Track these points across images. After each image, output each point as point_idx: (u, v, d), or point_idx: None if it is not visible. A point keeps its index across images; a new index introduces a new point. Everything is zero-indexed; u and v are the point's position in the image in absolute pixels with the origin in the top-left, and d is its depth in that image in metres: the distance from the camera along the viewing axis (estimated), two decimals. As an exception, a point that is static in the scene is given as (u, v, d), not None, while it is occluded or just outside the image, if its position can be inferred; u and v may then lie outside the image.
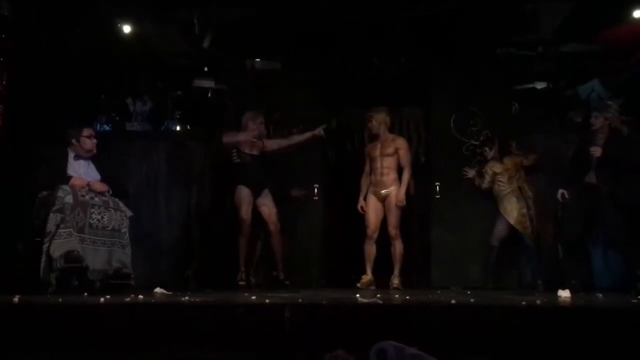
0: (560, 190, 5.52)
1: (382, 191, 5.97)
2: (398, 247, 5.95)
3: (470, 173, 6.35)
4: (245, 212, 5.82)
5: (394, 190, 5.92)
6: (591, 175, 5.30)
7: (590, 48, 7.16)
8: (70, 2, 6.21)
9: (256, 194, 5.91)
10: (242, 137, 5.98)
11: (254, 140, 5.98)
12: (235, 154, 5.92)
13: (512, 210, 6.04)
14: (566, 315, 2.98)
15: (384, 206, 5.97)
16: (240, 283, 5.77)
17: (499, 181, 6.14)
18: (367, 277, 5.92)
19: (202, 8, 6.67)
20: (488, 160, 6.25)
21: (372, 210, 5.99)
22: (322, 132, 6.07)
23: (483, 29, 6.68)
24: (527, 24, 6.84)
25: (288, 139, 6.20)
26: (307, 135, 6.11)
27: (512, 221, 6.02)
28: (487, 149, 6.27)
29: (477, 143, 6.45)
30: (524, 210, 6.03)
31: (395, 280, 5.85)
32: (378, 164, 6.01)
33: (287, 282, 5.91)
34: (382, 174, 5.97)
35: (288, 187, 6.28)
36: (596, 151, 5.24)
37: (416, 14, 6.48)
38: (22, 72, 6.12)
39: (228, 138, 6.01)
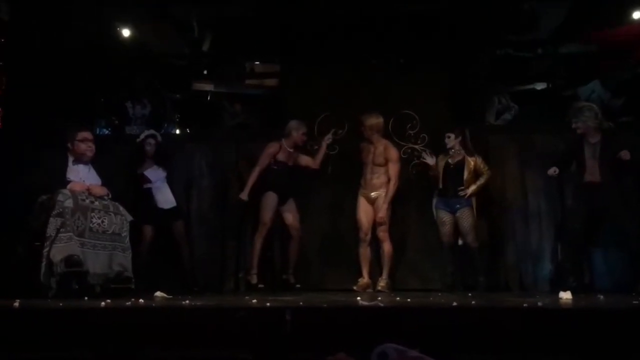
0: (553, 168, 5.46)
1: (372, 194, 5.94)
2: (387, 249, 5.91)
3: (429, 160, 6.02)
4: (269, 217, 5.98)
5: (383, 193, 5.90)
6: (593, 173, 5.28)
7: (589, 48, 7.18)
8: (69, 7, 6.23)
9: (282, 201, 6.06)
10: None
11: (291, 150, 6.10)
12: (273, 161, 6.05)
13: None
14: (568, 317, 2.97)
15: (373, 208, 5.94)
16: (260, 286, 5.87)
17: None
18: (364, 279, 5.89)
19: (201, 9, 6.68)
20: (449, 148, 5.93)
21: (362, 212, 5.96)
22: (330, 139, 6.27)
23: (480, 28, 6.71)
24: (526, 24, 6.86)
25: (314, 158, 6.27)
26: (323, 147, 6.27)
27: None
28: (452, 135, 5.90)
29: (416, 146, 6.35)
30: None
31: (382, 283, 5.81)
32: (368, 169, 5.99)
33: (298, 285, 5.98)
34: (371, 178, 5.95)
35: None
36: (626, 155, 5.14)
37: (408, 12, 6.53)
38: (22, 76, 6.12)
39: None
